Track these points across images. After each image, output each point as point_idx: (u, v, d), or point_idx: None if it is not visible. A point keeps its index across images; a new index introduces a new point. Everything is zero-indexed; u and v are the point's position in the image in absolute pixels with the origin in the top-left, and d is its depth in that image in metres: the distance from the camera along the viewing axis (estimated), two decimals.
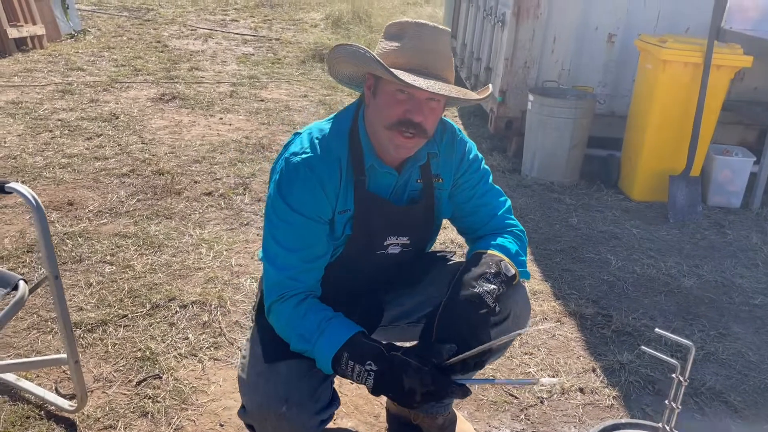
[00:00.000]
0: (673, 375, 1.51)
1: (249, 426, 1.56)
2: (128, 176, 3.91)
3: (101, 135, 4.60)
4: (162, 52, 7.62)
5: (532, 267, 3.16)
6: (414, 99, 1.44)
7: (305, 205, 1.49)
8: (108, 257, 2.96)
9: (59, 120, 4.85)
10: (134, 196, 3.64)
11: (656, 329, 1.62)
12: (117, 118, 5.01)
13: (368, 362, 1.36)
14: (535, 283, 3.01)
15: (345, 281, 1.63)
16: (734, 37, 4.03)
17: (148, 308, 2.58)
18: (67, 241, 3.07)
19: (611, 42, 4.46)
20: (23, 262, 2.86)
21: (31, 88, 5.65)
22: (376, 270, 1.70)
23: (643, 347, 1.59)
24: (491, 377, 1.44)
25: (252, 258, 3.05)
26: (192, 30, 9.23)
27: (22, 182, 3.70)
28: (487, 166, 1.73)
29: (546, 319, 2.73)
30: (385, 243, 1.64)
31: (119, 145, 4.43)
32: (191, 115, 5.30)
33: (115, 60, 6.98)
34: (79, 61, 6.80)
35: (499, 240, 1.63)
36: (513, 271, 1.55)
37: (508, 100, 4.70)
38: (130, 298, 2.65)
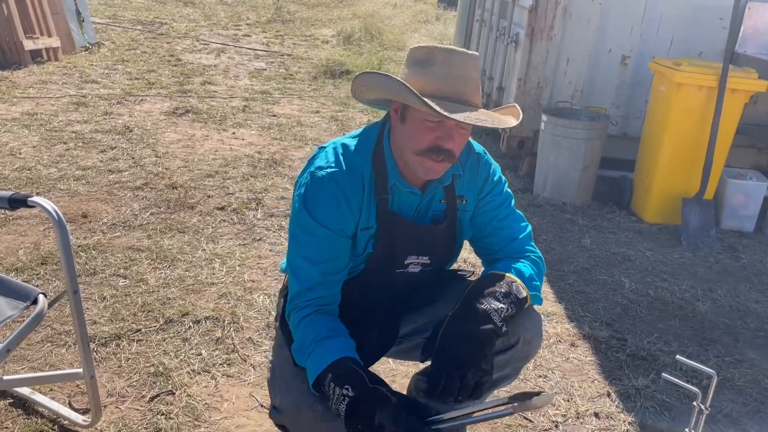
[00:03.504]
0: (694, 403, 1.50)
1: (281, 427, 1.60)
2: (142, 189, 3.93)
3: (115, 148, 4.62)
4: (175, 66, 7.68)
5: (545, 288, 3.15)
6: (444, 126, 1.45)
7: (330, 219, 1.52)
8: (121, 270, 2.96)
9: (73, 132, 4.88)
10: (148, 209, 3.66)
11: (677, 356, 1.61)
12: (131, 131, 5.04)
13: (346, 386, 1.33)
14: (549, 305, 3.00)
15: (363, 298, 1.64)
16: (748, 61, 4.03)
17: (161, 323, 2.58)
18: (81, 253, 3.08)
19: (624, 64, 4.47)
20: (37, 274, 2.87)
21: (46, 100, 5.70)
22: (394, 288, 1.71)
23: (664, 374, 1.57)
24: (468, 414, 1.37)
25: (265, 274, 3.05)
26: (205, 44, 9.30)
27: (37, 194, 3.72)
28: (510, 190, 1.74)
29: (560, 341, 2.72)
30: (406, 262, 1.64)
31: (133, 158, 4.46)
32: (204, 129, 5.33)
33: (129, 73, 7.04)
34: (94, 73, 6.86)
35: (514, 263, 1.62)
36: (524, 294, 1.54)
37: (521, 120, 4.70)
38: (143, 312, 2.65)
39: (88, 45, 8.09)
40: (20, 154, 4.35)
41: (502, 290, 1.50)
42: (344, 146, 1.58)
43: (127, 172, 4.18)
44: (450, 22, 12.63)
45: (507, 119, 1.54)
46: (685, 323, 2.95)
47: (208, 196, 3.91)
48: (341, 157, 1.55)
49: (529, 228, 1.73)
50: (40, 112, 5.30)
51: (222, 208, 3.75)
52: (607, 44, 4.44)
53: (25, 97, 5.75)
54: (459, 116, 1.39)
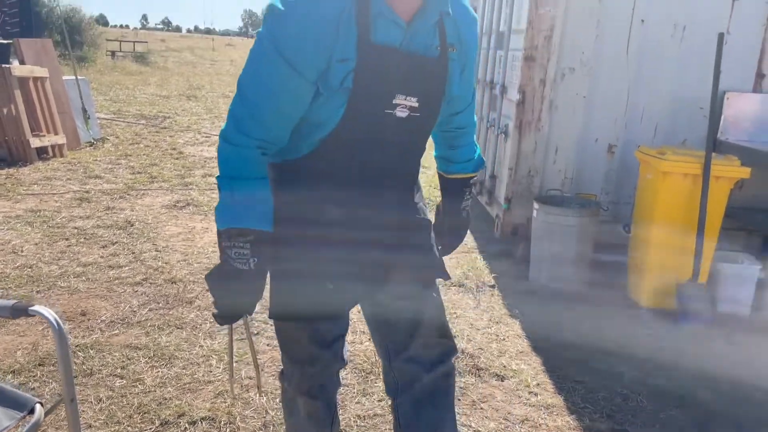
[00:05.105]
0: None
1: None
2: (141, 285, 3.97)
3: (116, 243, 4.70)
4: (177, 158, 7.90)
5: (544, 379, 3.14)
6: None
7: (293, 52, 1.43)
8: (118, 370, 2.96)
9: (75, 228, 4.97)
10: (146, 305, 3.68)
11: None
12: (132, 225, 5.13)
13: (255, 257, 1.54)
14: (548, 396, 2.98)
15: (349, 158, 1.60)
16: (731, 148, 4.17)
17: (157, 425, 2.56)
18: (79, 353, 3.08)
19: (611, 152, 4.62)
20: (35, 376, 2.86)
21: (50, 196, 5.83)
22: (382, 138, 1.61)
23: None
24: None
25: (262, 370, 3.04)
26: (206, 137, 9.59)
27: (37, 292, 3.77)
28: None
29: None
30: (394, 101, 1.55)
31: (133, 252, 4.52)
32: (204, 221, 5.43)
33: (132, 167, 7.23)
34: (97, 168, 7.05)
35: (465, 155, 1.95)
36: (474, 179, 2.00)
37: (513, 207, 4.81)
38: (139, 414, 2.63)
39: (92, 140, 8.34)
40: (22, 251, 4.42)
41: (467, 194, 2.00)
42: None
43: (127, 267, 4.24)
44: None
45: None
46: (686, 413, 2.91)
47: (207, 290, 3.94)
48: None
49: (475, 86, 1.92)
50: (44, 209, 5.41)
51: None
52: (593, 134, 4.61)
53: (29, 194, 5.89)
54: None
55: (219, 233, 1.55)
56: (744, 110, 4.41)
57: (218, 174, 1.55)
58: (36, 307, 1.78)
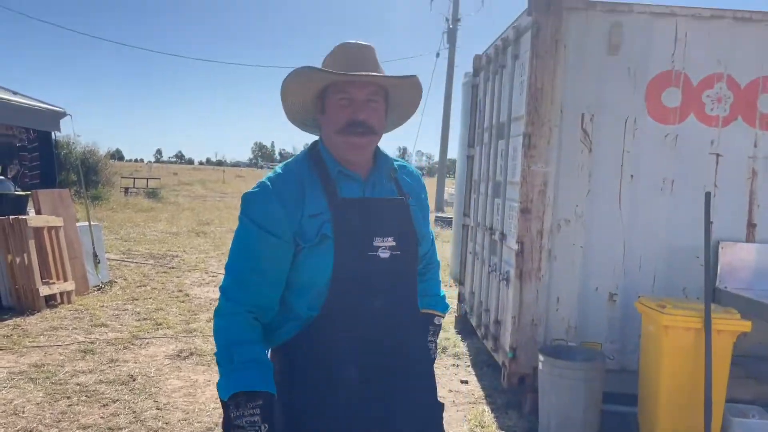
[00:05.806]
0: None
1: None
2: None
3: (117, 401, 4.64)
4: (183, 301, 7.95)
5: None
6: (355, 101, 1.68)
7: (263, 217, 1.66)
8: None
9: (78, 384, 4.93)
10: None
11: None
12: (134, 380, 5.09)
13: (266, 423, 1.54)
14: None
15: (350, 317, 1.70)
16: (730, 298, 4.21)
17: None
18: None
19: (613, 301, 4.66)
20: None
21: (55, 349, 5.83)
22: (378, 292, 1.73)
23: None
24: None
25: None
26: (213, 276, 9.71)
27: None
28: None
29: None
30: (374, 244, 1.72)
31: (134, 411, 4.46)
32: (207, 372, 5.38)
33: (138, 313, 7.27)
34: (104, 315, 7.09)
35: (432, 289, 2.03)
36: (441, 321, 2.04)
37: (519, 356, 4.77)
38: None
39: (101, 284, 8.45)
40: (23, 413, 4.36)
41: (433, 334, 1.99)
42: (282, 164, 1.80)
43: (126, 430, 4.16)
44: (446, 239, 13.23)
45: (395, 76, 1.72)
46: None
47: None
48: (278, 170, 1.76)
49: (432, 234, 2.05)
50: (48, 363, 5.40)
51: None
52: (593, 283, 4.67)
53: (34, 346, 5.90)
54: (357, 74, 1.65)
55: (226, 406, 1.56)
56: (740, 259, 4.48)
57: (216, 351, 1.64)
58: None
